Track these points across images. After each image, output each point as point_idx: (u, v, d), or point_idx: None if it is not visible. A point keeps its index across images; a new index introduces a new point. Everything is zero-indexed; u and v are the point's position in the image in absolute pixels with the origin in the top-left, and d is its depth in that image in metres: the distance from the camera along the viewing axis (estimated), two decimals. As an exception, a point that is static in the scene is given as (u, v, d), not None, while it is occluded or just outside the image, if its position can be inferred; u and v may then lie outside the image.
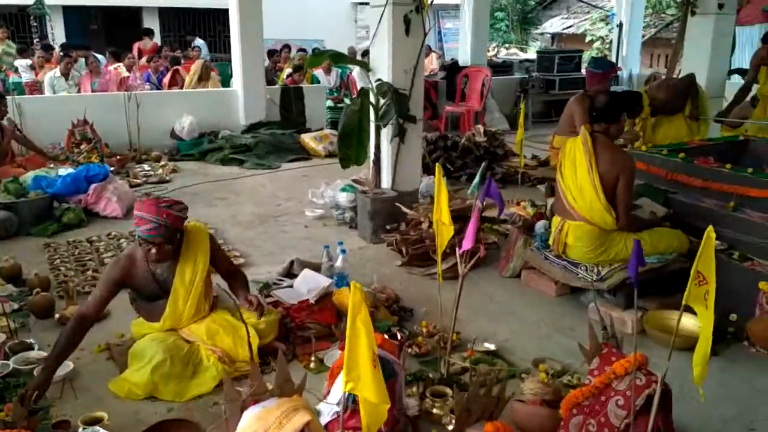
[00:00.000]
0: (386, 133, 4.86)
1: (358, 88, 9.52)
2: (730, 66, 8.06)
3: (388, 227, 4.70)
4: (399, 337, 3.12)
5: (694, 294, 1.93)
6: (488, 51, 19.45)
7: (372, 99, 4.83)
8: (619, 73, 10.80)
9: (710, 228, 1.86)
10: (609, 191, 3.51)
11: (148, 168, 7.01)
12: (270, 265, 4.32)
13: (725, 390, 2.91)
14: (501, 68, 11.02)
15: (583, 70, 13.30)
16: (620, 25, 11.18)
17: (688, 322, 3.38)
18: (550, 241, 3.80)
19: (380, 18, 4.69)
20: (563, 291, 3.88)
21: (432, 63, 13.05)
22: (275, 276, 4.03)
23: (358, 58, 9.89)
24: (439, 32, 17.70)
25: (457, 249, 2.83)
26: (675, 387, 2.33)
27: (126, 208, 5.38)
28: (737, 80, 7.47)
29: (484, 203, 3.60)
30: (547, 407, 2.48)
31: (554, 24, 19.59)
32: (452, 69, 9.70)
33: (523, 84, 10.11)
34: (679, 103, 5.65)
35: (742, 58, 15.90)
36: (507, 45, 20.58)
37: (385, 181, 5.04)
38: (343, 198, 5.22)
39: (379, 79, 4.75)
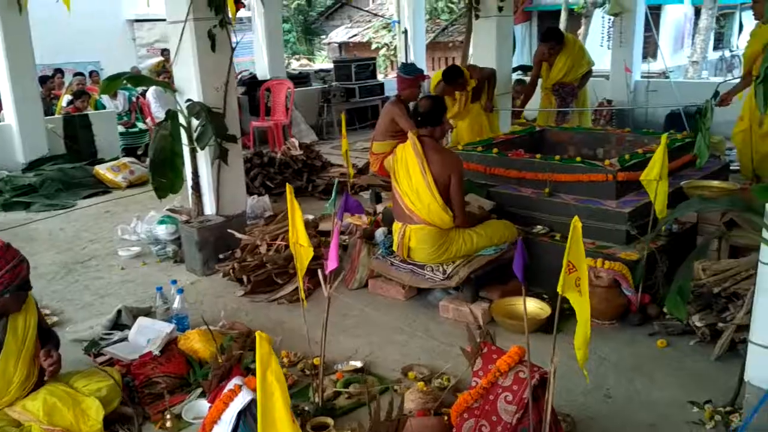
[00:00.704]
0: (204, 155, 4.54)
1: (153, 110, 8.97)
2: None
3: (221, 256, 4.40)
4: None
5: (567, 282, 2.01)
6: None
7: (182, 121, 4.48)
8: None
9: (576, 218, 1.95)
10: (443, 192, 3.61)
11: None
12: (91, 319, 3.80)
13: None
14: (299, 79, 11.00)
15: (379, 77, 13.82)
16: (405, 32, 11.75)
17: (531, 305, 3.61)
18: (394, 247, 3.82)
19: (181, 35, 4.37)
20: (411, 293, 3.93)
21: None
22: (101, 331, 3.55)
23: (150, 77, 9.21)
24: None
25: (320, 270, 2.69)
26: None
27: None
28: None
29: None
30: (434, 416, 2.45)
31: (339, 33, 20.12)
32: (252, 83, 9.46)
33: (324, 94, 10.18)
34: (481, 91, 6.06)
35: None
36: (297, 56, 20.71)
37: (209, 207, 4.71)
38: (162, 231, 4.79)
39: (189, 100, 4.42)
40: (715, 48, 19.34)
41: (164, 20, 4.62)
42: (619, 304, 3.47)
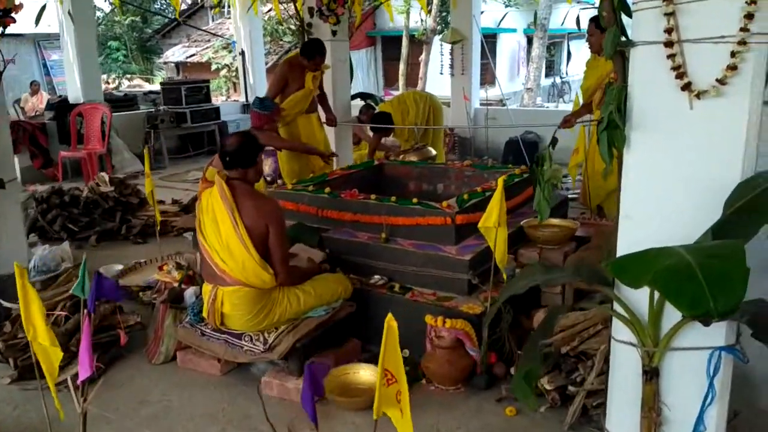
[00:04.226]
0: (-37, 204, 3.62)
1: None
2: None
3: (-16, 331, 3.48)
4: None
5: (385, 397, 1.52)
6: (107, 83, 17.87)
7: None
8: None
9: (390, 317, 1.48)
10: (261, 245, 3.03)
11: None
12: None
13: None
14: (123, 102, 9.92)
15: (220, 99, 12.96)
16: (243, 53, 11.10)
17: (367, 373, 3.13)
18: (204, 313, 3.17)
19: (-74, 52, 3.45)
20: (229, 366, 3.29)
21: (42, 102, 11.20)
22: None
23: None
24: (45, 65, 15.48)
25: (70, 380, 2.00)
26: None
27: None
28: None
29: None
30: None
31: (176, 53, 18.91)
32: (62, 108, 8.29)
33: (150, 119, 9.20)
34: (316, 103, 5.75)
35: (356, 82, 17.60)
36: (129, 76, 19.18)
37: (-25, 267, 3.77)
38: None
39: (-62, 134, 3.50)
40: (547, 75, 20.63)
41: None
42: (464, 365, 3.08)
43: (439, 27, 15.14)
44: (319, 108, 5.88)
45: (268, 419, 2.07)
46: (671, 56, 1.68)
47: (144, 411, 2.98)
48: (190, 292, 3.44)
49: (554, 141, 2.08)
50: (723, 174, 1.70)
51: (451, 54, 9.08)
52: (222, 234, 3.01)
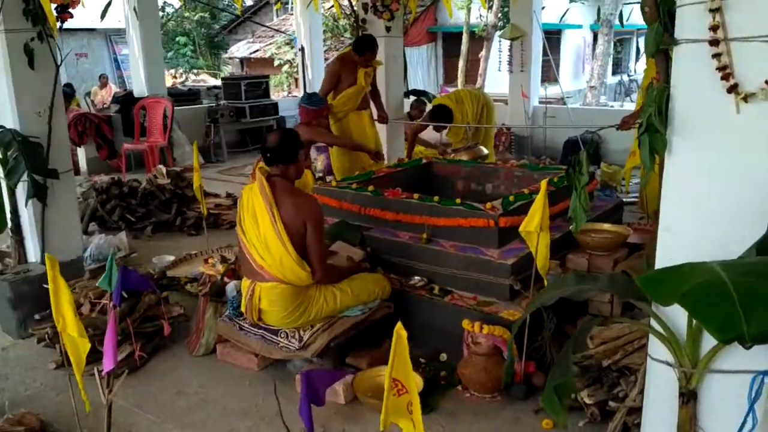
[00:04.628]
0: (22, 193, 3.77)
1: None
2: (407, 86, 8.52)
3: (37, 316, 3.63)
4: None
5: (393, 408, 1.47)
6: (175, 78, 18.42)
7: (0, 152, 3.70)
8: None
9: (399, 325, 1.42)
10: (298, 242, 3.03)
11: None
12: None
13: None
14: (187, 97, 10.18)
15: (281, 94, 13.16)
16: (302, 49, 11.19)
17: (400, 376, 3.09)
18: (242, 308, 3.19)
19: (-8, 49, 3.62)
20: (266, 362, 3.30)
21: (110, 95, 11.65)
22: None
23: None
24: (116, 59, 16.07)
25: (96, 370, 2.04)
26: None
27: None
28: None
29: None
30: None
31: (241, 48, 19.29)
32: (127, 101, 8.58)
33: (211, 113, 9.41)
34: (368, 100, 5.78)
35: (416, 78, 17.54)
36: (195, 71, 19.70)
37: (33, 254, 3.94)
38: (-26, 284, 3.95)
39: (1, 126, 3.65)
40: (614, 72, 19.98)
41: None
42: (501, 374, 2.99)
43: (500, 23, 14.86)
44: (372, 104, 5.87)
45: (284, 422, 2.05)
46: (717, 56, 1.56)
47: (180, 402, 3.03)
48: (231, 286, 3.47)
49: (594, 143, 1.97)
50: (772, 184, 1.57)
51: (510, 50, 8.89)
52: (260, 230, 3.03)
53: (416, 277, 3.53)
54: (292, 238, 3.00)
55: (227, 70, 21.40)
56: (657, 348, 1.81)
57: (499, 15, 15.07)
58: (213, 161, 9.32)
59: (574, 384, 1.96)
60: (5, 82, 3.64)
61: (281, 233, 2.98)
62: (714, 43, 1.56)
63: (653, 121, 1.65)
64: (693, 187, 1.68)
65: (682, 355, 1.72)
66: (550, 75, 11.45)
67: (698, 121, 1.65)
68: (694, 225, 1.69)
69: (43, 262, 3.89)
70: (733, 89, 1.56)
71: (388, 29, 6.08)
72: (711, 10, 1.54)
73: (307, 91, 11.07)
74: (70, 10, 3.76)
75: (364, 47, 5.35)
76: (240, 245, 3.16)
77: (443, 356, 3.31)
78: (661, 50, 1.72)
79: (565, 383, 1.93)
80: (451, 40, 17.67)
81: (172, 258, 4.82)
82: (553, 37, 17.17)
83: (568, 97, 9.94)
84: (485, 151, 5.65)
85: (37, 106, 3.75)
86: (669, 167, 1.72)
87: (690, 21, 1.62)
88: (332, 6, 14.16)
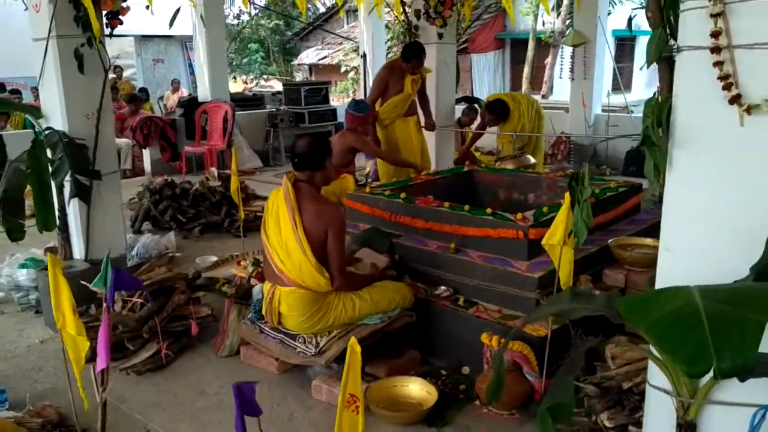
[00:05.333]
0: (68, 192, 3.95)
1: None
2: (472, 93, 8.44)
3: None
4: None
5: (349, 424, 1.43)
6: (246, 83, 18.94)
7: (49, 152, 3.89)
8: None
9: (353, 340, 1.38)
10: (319, 249, 3.02)
11: None
12: None
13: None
14: (251, 102, 10.45)
15: (332, 101, 13.32)
16: (365, 56, 11.27)
17: (416, 387, 3.03)
18: (263, 311, 3.22)
19: (45, 54, 3.80)
20: (287, 366, 3.31)
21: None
22: None
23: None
24: (190, 65, 16.69)
25: (92, 367, 2.09)
26: None
27: None
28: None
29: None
30: None
31: (310, 55, 19.65)
32: (190, 105, 8.88)
33: (271, 118, 9.61)
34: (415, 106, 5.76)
35: (482, 85, 17.34)
36: (266, 76, 20.21)
37: (77, 251, 4.11)
38: (23, 276, 4.18)
39: (50, 128, 3.84)
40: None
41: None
42: (521, 391, 2.89)
43: (567, 30, 14.50)
44: (420, 111, 5.83)
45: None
46: (718, 64, 1.44)
47: (200, 402, 3.08)
48: (257, 289, 3.51)
49: (594, 155, 1.86)
50: (778, 203, 1.43)
51: (572, 57, 8.65)
52: (282, 235, 3.04)
53: (442, 287, 3.46)
54: (313, 245, 3.00)
55: (299, 77, 21.86)
56: (656, 375, 1.69)
57: (567, 21, 14.72)
58: (271, 165, 9.51)
59: (572, 407, 1.85)
60: (56, 86, 3.82)
61: (302, 239, 2.99)
62: (716, 50, 1.44)
63: (650, 133, 1.54)
64: (693, 205, 1.56)
65: (680, 384, 1.60)
66: (624, 82, 11.05)
67: (700, 133, 1.53)
68: (694, 246, 1.57)
69: (89, 260, 4.08)
70: (735, 100, 1.43)
71: (440, 36, 6.03)
72: (712, 15, 1.43)
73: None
74: (120, 17, 3.91)
75: (410, 54, 5.33)
76: (264, 249, 3.19)
77: (465, 369, 3.22)
78: (665, 58, 1.60)
79: (561, 404, 1.82)
80: (519, 46, 17.39)
81: (214, 258, 4.93)
82: (626, 43, 16.61)
83: (634, 106, 9.56)
84: (532, 160, 5.51)
85: (85, 109, 3.92)
86: (669, 182, 1.61)
87: (693, 27, 1.50)
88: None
